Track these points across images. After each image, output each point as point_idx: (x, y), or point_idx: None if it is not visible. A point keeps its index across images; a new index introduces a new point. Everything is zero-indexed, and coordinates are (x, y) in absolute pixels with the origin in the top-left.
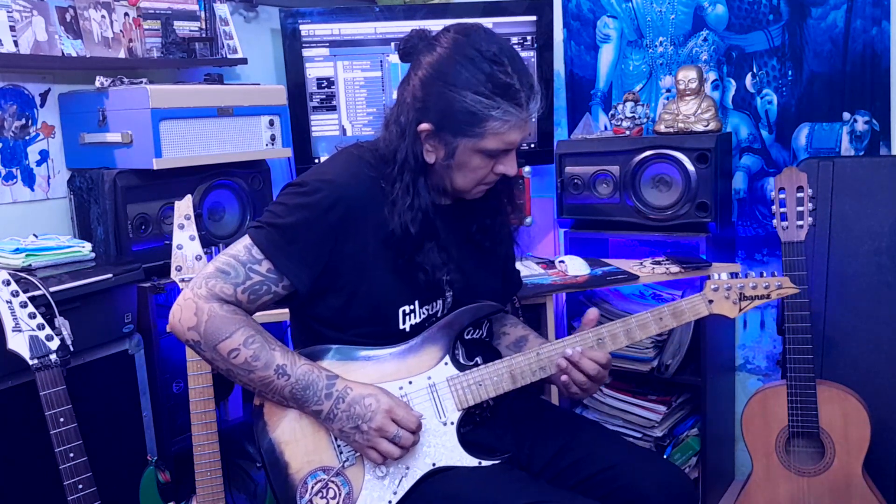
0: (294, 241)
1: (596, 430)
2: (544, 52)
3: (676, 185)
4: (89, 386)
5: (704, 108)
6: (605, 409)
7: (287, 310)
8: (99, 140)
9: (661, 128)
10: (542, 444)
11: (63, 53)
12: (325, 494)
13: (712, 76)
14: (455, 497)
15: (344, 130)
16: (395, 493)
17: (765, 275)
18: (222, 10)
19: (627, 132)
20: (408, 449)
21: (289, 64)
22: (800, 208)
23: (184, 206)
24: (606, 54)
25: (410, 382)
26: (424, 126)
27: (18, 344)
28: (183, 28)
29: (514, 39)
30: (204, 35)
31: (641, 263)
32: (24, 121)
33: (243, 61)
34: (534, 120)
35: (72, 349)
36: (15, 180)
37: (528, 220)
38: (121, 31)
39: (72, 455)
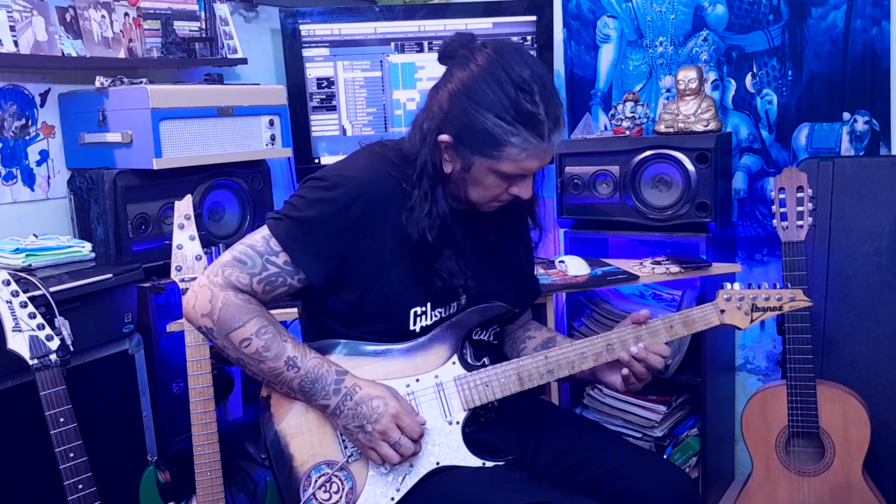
0: (312, 234)
1: (599, 431)
2: (544, 52)
3: (676, 185)
4: (89, 386)
5: (704, 108)
6: (605, 409)
7: (290, 309)
8: (99, 140)
9: (661, 128)
10: (546, 445)
11: (63, 53)
12: (328, 488)
13: (712, 76)
14: (457, 496)
15: (344, 130)
16: (398, 490)
17: (778, 286)
18: (222, 10)
19: (627, 132)
20: (407, 458)
21: (289, 64)
22: (800, 208)
23: (184, 206)
24: (606, 54)
25: (417, 380)
26: (444, 137)
27: (18, 344)
28: (183, 28)
29: (514, 39)
30: (204, 35)
31: (641, 263)
32: (24, 121)
33: (243, 61)
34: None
35: (72, 349)
36: (15, 180)
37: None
38: (121, 31)
39: (72, 455)
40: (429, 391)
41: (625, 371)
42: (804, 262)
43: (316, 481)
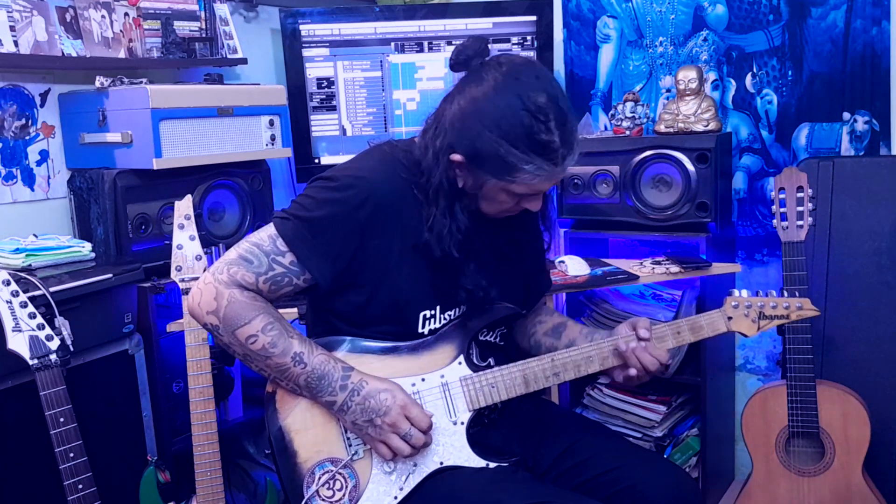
0: (320, 235)
1: (600, 431)
2: (544, 52)
3: (676, 185)
4: (89, 386)
5: (704, 108)
6: (605, 409)
7: (290, 309)
8: (99, 140)
9: (661, 128)
10: (548, 445)
11: (63, 53)
12: (331, 486)
13: (712, 76)
14: (460, 496)
15: (344, 130)
16: (401, 489)
17: (786, 294)
18: (222, 10)
19: (627, 132)
20: (418, 449)
21: (289, 64)
22: (800, 208)
23: (184, 206)
24: (606, 54)
25: (423, 380)
26: (457, 157)
27: (18, 344)
28: (183, 28)
29: (514, 39)
30: (204, 35)
31: (641, 263)
32: (24, 121)
33: (243, 61)
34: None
35: (72, 349)
36: (15, 180)
37: None
38: (121, 31)
39: (72, 455)
40: (434, 391)
41: (632, 371)
42: (804, 262)
43: (319, 478)
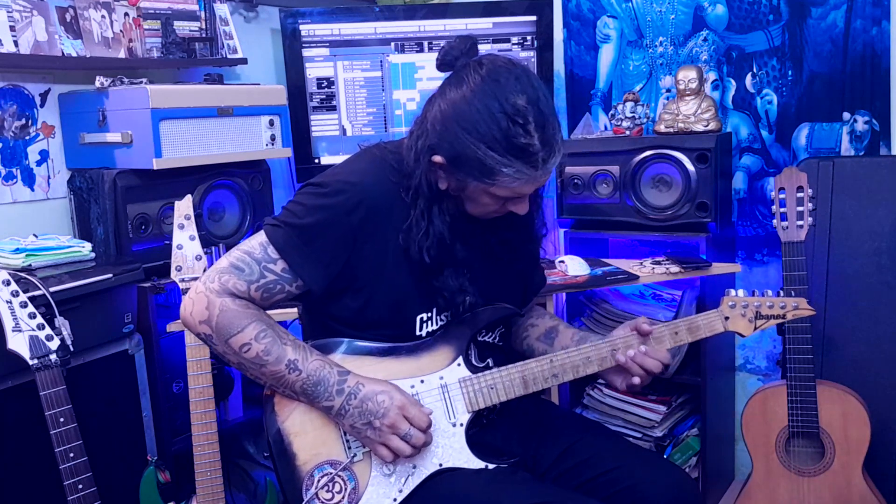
0: (311, 242)
1: (599, 431)
2: (544, 52)
3: (676, 185)
4: (89, 386)
5: (704, 108)
6: (605, 409)
7: (290, 309)
8: (99, 140)
9: (661, 128)
10: (547, 445)
11: (63, 53)
12: (330, 488)
13: (712, 76)
14: (460, 497)
15: (344, 130)
16: (400, 492)
17: (783, 294)
18: (222, 10)
19: (627, 132)
20: (419, 449)
21: (289, 64)
22: (800, 208)
23: (184, 206)
24: (606, 54)
25: (422, 381)
26: (438, 159)
27: (18, 344)
28: (183, 28)
29: (514, 39)
30: (204, 35)
31: (641, 263)
32: (24, 121)
33: (243, 61)
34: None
35: (72, 349)
36: (15, 180)
37: None
38: (121, 31)
39: (72, 455)
40: (433, 392)
41: (636, 380)
42: (804, 262)
43: (319, 481)
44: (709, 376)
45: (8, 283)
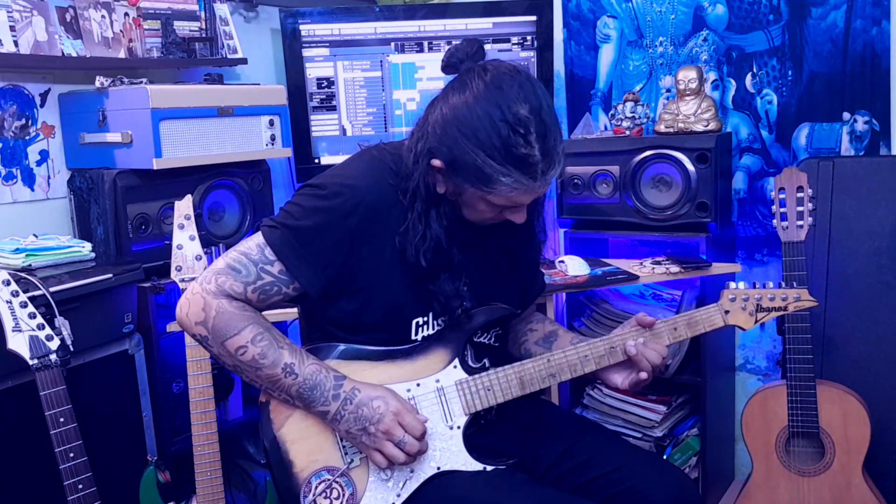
0: (308, 244)
1: (599, 432)
2: (544, 52)
3: (676, 185)
4: (89, 386)
5: (704, 108)
6: (605, 409)
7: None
8: (99, 140)
9: (661, 128)
10: (547, 446)
11: (63, 53)
12: (328, 494)
13: (712, 76)
14: (458, 500)
15: (344, 130)
16: (398, 496)
17: (783, 286)
18: (222, 10)
19: (627, 132)
20: (413, 456)
21: (289, 64)
22: (800, 208)
23: (184, 206)
24: (606, 54)
25: (418, 385)
26: (436, 162)
27: (18, 344)
28: (183, 28)
29: (514, 39)
30: (204, 35)
31: (641, 263)
32: (24, 121)
33: (243, 61)
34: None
35: (72, 349)
36: (15, 180)
37: None
38: (121, 31)
39: (72, 455)
40: (430, 396)
41: (643, 374)
42: (804, 262)
43: (316, 487)
44: (709, 376)
45: (8, 283)
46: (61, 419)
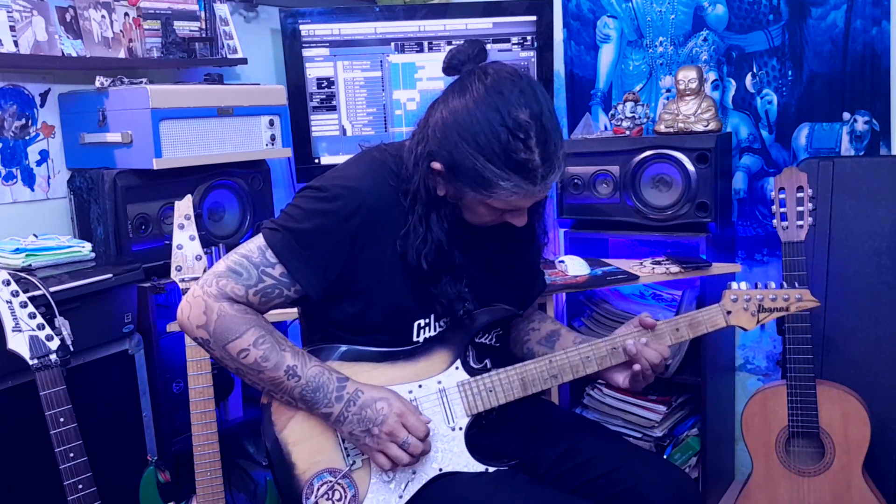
0: (310, 247)
1: (600, 432)
2: (544, 52)
3: (676, 185)
4: (89, 386)
5: (704, 108)
6: (605, 409)
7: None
8: (99, 140)
9: (661, 128)
10: (547, 446)
11: (63, 53)
12: (330, 496)
13: (712, 76)
14: (460, 501)
15: (344, 130)
16: (400, 497)
17: (785, 286)
18: (222, 10)
19: (627, 132)
20: (417, 457)
21: (289, 64)
22: (800, 208)
23: (184, 206)
24: (606, 54)
25: (420, 386)
26: (436, 165)
27: (18, 344)
28: (183, 28)
29: (514, 39)
30: (204, 35)
31: (641, 263)
32: (24, 121)
33: (243, 61)
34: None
35: (72, 349)
36: (15, 180)
37: None
38: (121, 31)
39: (72, 455)
40: (432, 397)
41: (637, 367)
42: (804, 262)
43: (318, 489)
44: (709, 376)
45: (8, 283)
46: (61, 419)
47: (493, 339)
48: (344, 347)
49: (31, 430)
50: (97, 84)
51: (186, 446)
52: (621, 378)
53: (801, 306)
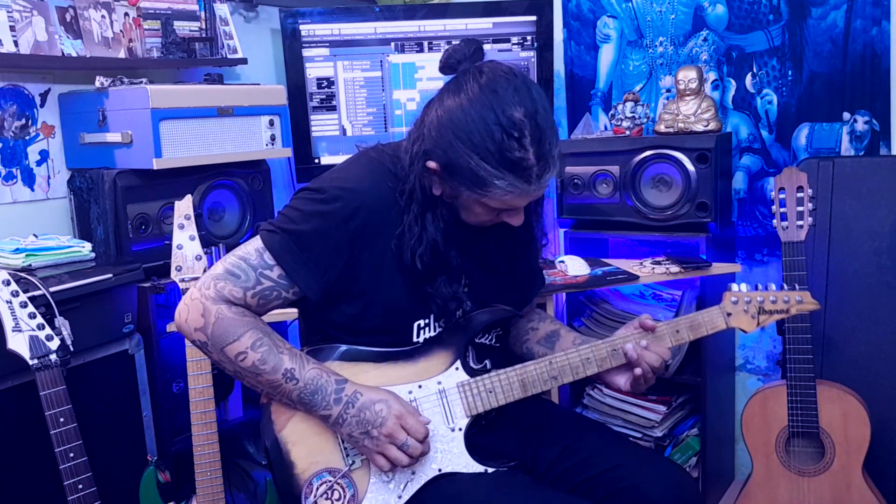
0: (308, 249)
1: (600, 430)
2: (544, 52)
3: (676, 185)
4: (89, 386)
5: (704, 108)
6: (605, 409)
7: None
8: (99, 140)
9: (661, 128)
10: (547, 445)
11: (63, 53)
12: (329, 496)
13: (712, 76)
14: (460, 502)
15: (344, 130)
16: (399, 497)
17: (786, 288)
18: (222, 10)
19: (627, 132)
20: (416, 459)
21: (289, 64)
22: (800, 208)
23: (184, 206)
24: (606, 54)
25: (420, 386)
26: (432, 164)
27: (18, 344)
28: (183, 28)
29: (514, 39)
30: (204, 35)
31: (641, 263)
32: (24, 121)
33: (243, 61)
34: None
35: (72, 349)
36: (15, 180)
37: None
38: (121, 31)
39: (72, 455)
40: (431, 398)
41: (638, 370)
42: (804, 262)
43: (317, 489)
44: (709, 376)
45: (8, 283)
46: (61, 419)
47: (493, 340)
48: (344, 347)
49: (31, 430)
50: (97, 84)
51: (186, 446)
52: (622, 381)
53: (801, 309)
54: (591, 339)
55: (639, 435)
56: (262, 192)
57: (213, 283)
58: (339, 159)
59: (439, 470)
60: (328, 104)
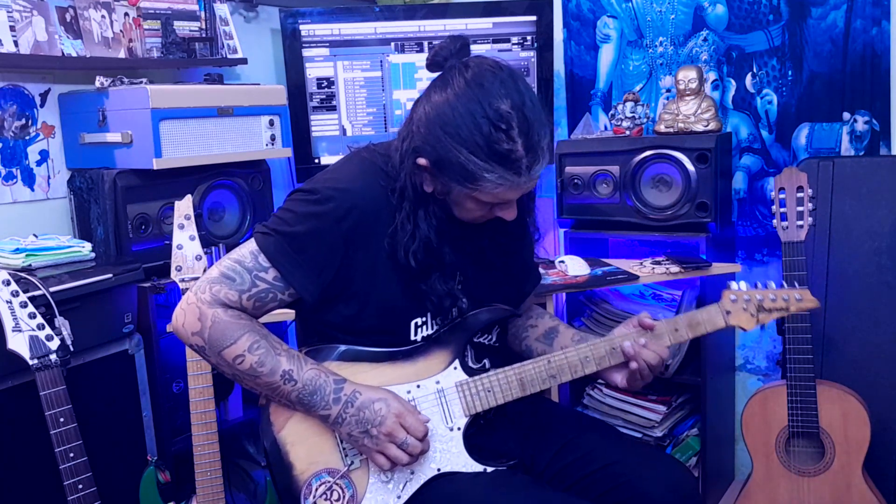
0: (302, 250)
1: (599, 427)
2: (544, 52)
3: (676, 185)
4: (89, 386)
5: (704, 108)
6: (605, 408)
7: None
8: (99, 140)
9: (661, 128)
10: (546, 442)
11: (63, 53)
12: (329, 496)
13: (712, 76)
14: (459, 502)
15: (344, 130)
16: (398, 497)
17: (785, 286)
18: (222, 10)
19: (627, 132)
20: (415, 457)
21: (289, 64)
22: (800, 208)
23: (184, 206)
24: (606, 54)
25: (419, 386)
26: (422, 161)
27: (18, 344)
28: (183, 28)
29: (514, 39)
30: (204, 35)
31: (641, 263)
32: (24, 121)
33: (243, 61)
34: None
35: (72, 349)
36: (15, 180)
37: None
38: (121, 31)
39: (72, 455)
40: (430, 397)
41: (633, 365)
42: (804, 263)
43: (317, 489)
44: (709, 376)
45: (8, 283)
46: (61, 419)
47: (493, 339)
48: (343, 348)
49: (31, 430)
50: (97, 84)
51: (186, 446)
52: (619, 377)
53: (800, 307)
54: (589, 336)
55: (639, 435)
56: (262, 193)
57: (208, 287)
58: (327, 168)
59: (438, 469)
60: (328, 104)
